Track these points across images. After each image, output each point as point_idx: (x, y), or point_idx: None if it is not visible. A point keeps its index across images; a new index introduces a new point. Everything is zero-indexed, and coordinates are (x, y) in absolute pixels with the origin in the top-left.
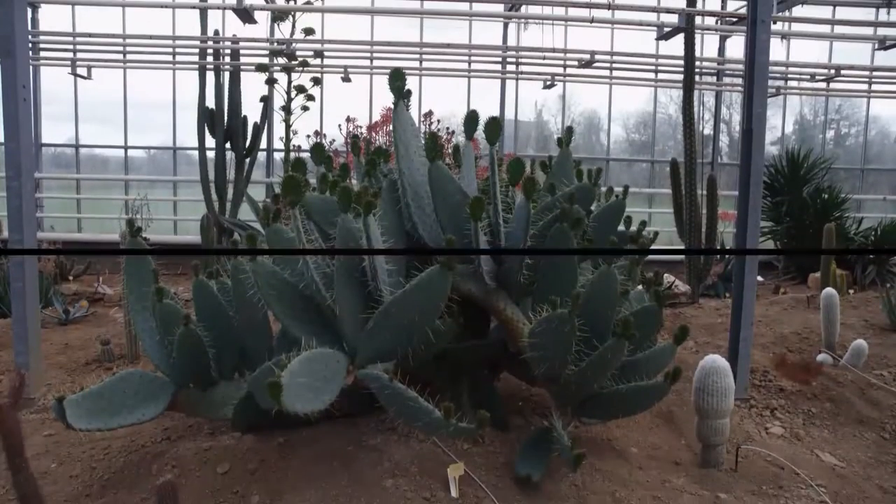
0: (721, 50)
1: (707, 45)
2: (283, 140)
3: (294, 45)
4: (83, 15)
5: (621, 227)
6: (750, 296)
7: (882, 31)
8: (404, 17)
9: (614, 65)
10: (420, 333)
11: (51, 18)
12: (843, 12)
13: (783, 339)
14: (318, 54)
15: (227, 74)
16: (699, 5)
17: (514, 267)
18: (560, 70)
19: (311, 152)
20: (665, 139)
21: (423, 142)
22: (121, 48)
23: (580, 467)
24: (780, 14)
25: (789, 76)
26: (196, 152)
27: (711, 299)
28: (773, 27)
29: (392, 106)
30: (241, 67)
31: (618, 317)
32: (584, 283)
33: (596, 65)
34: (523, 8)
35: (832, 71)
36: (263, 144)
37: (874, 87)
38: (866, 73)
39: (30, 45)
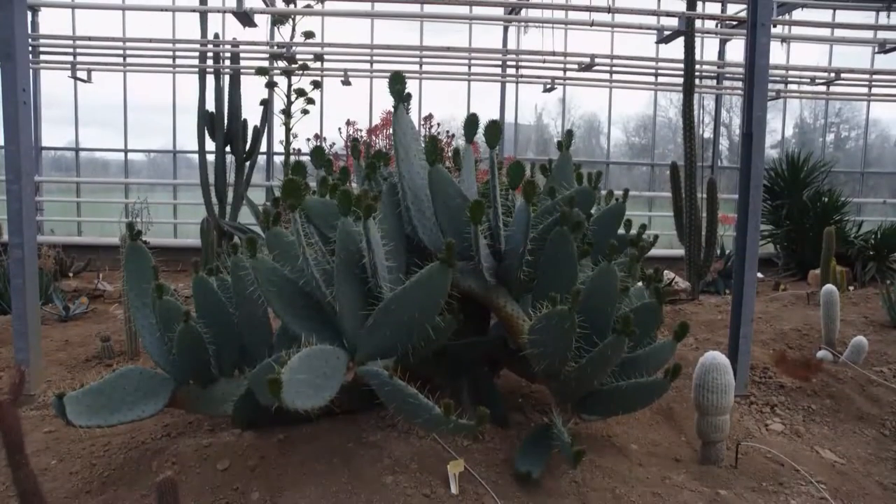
0: (721, 53)
1: (707, 49)
2: (283, 143)
3: (294, 48)
4: (83, 18)
5: (621, 231)
6: (750, 292)
7: (882, 35)
8: (404, 21)
9: (614, 68)
10: (420, 330)
11: (51, 22)
12: (843, 16)
13: (783, 336)
14: (318, 58)
15: (227, 78)
16: (699, 9)
17: (514, 264)
18: (560, 73)
19: (311, 156)
20: (665, 142)
21: (423, 145)
22: (121, 51)
23: (580, 464)
24: (780, 17)
25: (789, 79)
26: (196, 156)
27: (711, 296)
28: (773, 31)
29: (392, 109)
30: (241, 71)
31: (618, 313)
32: (583, 279)
33: (596, 68)
34: (523, 11)
35: (832, 74)
36: (263, 148)
37: (874, 90)
38: (866, 76)
39: (30, 48)
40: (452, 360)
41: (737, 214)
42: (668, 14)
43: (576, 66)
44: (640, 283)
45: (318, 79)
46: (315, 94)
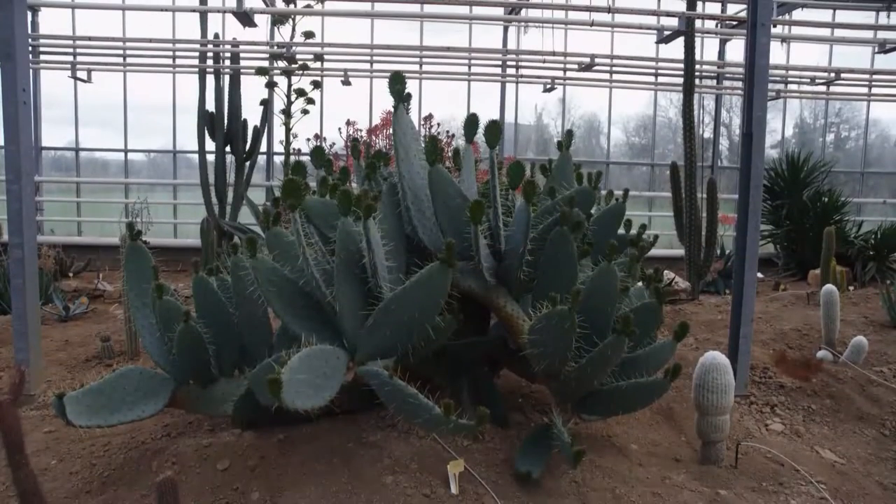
0: (721, 53)
1: (707, 49)
2: (283, 143)
3: (294, 48)
4: (83, 18)
5: (621, 231)
6: (750, 292)
7: (882, 35)
8: (404, 21)
9: (614, 68)
10: (420, 330)
11: (51, 22)
12: (843, 16)
13: (783, 336)
14: (318, 58)
15: (227, 78)
16: (699, 9)
17: (514, 264)
18: (560, 73)
19: (311, 156)
20: (665, 142)
21: (423, 145)
22: (121, 51)
23: (580, 464)
24: (780, 17)
25: (789, 79)
26: (196, 156)
27: (711, 296)
28: (773, 31)
29: (392, 109)
30: (241, 71)
31: (618, 313)
32: (584, 279)
33: (596, 68)
34: (523, 11)
35: (832, 74)
36: (263, 148)
37: (874, 90)
38: (866, 76)
39: (30, 48)
40: (452, 360)
41: (737, 214)
42: (668, 14)
43: (576, 66)
44: (640, 283)
45: (318, 79)
46: (315, 94)
